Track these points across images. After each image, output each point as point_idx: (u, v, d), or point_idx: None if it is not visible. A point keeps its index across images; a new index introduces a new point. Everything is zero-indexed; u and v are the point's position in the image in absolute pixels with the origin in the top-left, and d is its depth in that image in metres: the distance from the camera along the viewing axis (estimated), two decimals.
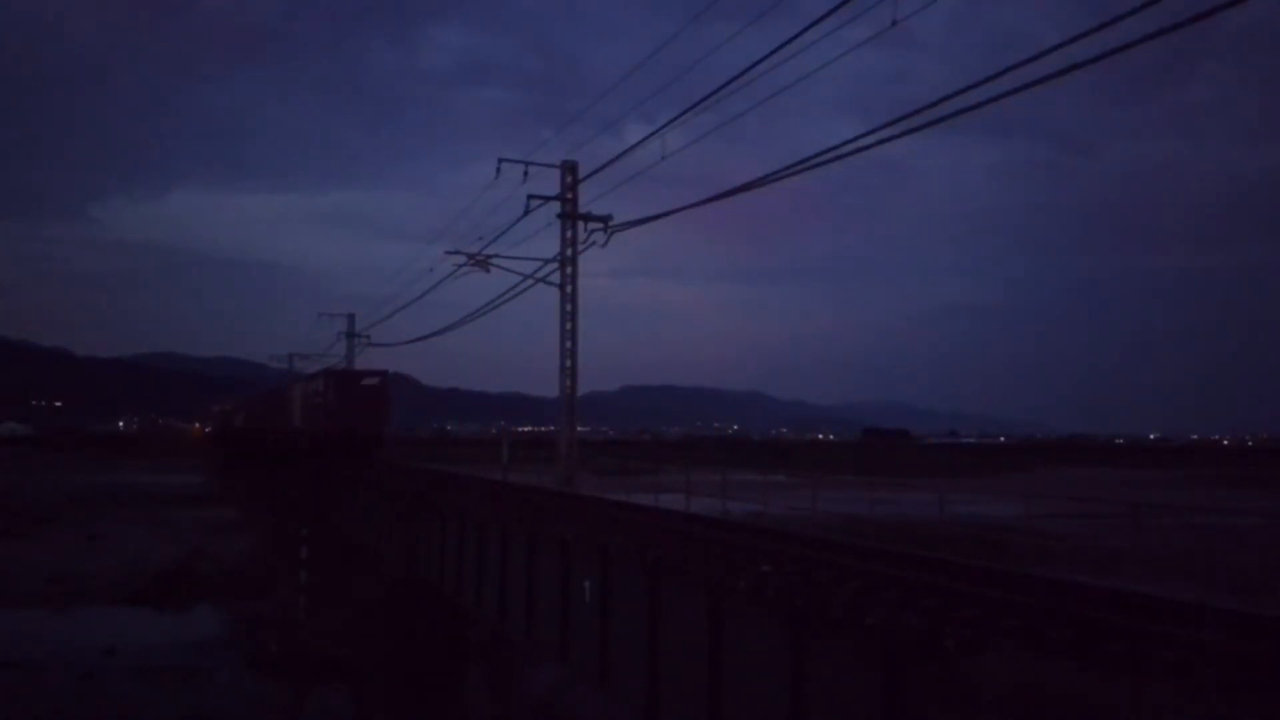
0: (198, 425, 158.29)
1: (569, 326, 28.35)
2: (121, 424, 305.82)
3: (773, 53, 14.65)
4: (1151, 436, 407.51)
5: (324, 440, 41.67)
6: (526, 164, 28.05)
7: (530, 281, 29.28)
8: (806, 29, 13.70)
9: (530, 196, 27.58)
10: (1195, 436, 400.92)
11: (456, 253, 31.51)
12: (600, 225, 27.28)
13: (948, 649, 7.93)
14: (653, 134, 19.97)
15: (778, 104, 16.67)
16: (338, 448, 39.85)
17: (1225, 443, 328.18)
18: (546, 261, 28.72)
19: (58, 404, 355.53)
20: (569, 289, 28.18)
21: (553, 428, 31.09)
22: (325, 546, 45.11)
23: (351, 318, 63.61)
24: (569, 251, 28.11)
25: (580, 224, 27.86)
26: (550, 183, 28.29)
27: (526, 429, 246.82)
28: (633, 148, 22.00)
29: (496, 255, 30.28)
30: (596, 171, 27.20)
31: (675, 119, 19.06)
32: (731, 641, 11.45)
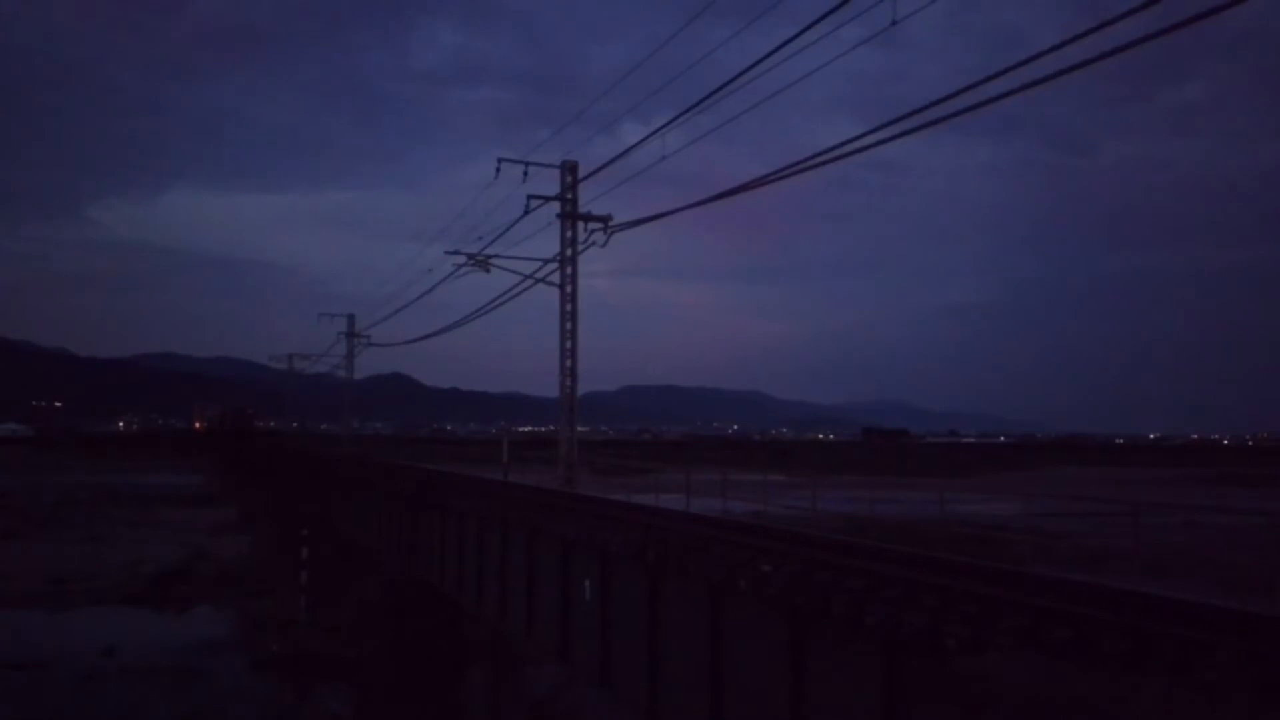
0: (198, 425, 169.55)
1: (569, 326, 28.35)
2: (121, 424, 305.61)
3: (771, 53, 14.65)
4: (1151, 436, 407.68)
5: (233, 431, 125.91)
6: (526, 164, 28.02)
7: (530, 281, 29.28)
8: (805, 29, 13.70)
9: (530, 196, 27.54)
10: (1195, 436, 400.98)
11: (456, 253, 31.55)
12: (600, 225, 27.25)
13: (948, 648, 7.94)
14: (652, 134, 19.96)
15: (773, 102, 16.67)
16: (235, 434, 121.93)
17: (1225, 442, 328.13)
18: (546, 261, 28.73)
19: (58, 404, 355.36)
20: (569, 289, 28.17)
21: (553, 428, 31.10)
22: (325, 546, 45.13)
23: (351, 318, 63.89)
24: (569, 251, 28.10)
25: (580, 224, 27.85)
26: (549, 183, 28.30)
27: (526, 429, 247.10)
28: (632, 148, 21.99)
29: (496, 255, 30.30)
30: (596, 171, 27.20)
31: (674, 119, 19.05)
32: (732, 641, 11.46)
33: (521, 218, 27.72)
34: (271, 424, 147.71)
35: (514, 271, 29.78)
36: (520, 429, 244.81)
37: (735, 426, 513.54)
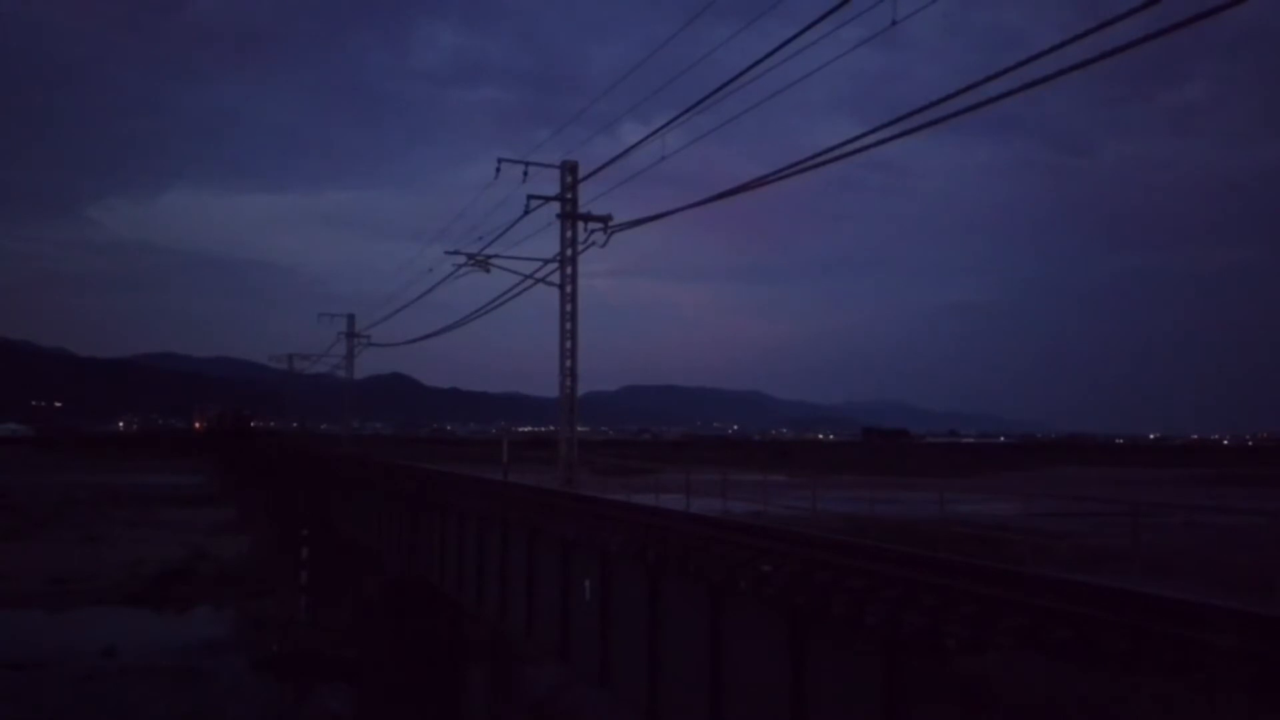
0: (198, 425, 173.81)
1: (569, 326, 28.34)
2: (121, 424, 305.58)
3: (771, 53, 14.64)
4: (1151, 436, 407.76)
5: (234, 431, 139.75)
6: (526, 164, 28.01)
7: (530, 281, 29.28)
8: (805, 29, 13.70)
9: (530, 196, 27.53)
10: (1195, 436, 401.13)
11: (456, 253, 31.55)
12: (600, 225, 27.24)
13: (948, 648, 7.94)
14: (652, 134, 19.95)
15: (773, 102, 16.67)
16: (235, 434, 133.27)
17: (1225, 442, 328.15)
18: (546, 261, 28.72)
19: (58, 404, 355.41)
20: (569, 289, 28.16)
21: (553, 428, 31.10)
22: (325, 546, 45.12)
23: (351, 318, 63.90)
24: (569, 251, 28.09)
25: (580, 224, 27.84)
26: (549, 183, 28.29)
27: (526, 429, 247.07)
28: (632, 148, 21.98)
29: (496, 255, 30.29)
30: (596, 171, 27.18)
31: (674, 120, 19.04)
32: (732, 641, 11.46)
33: (521, 218, 27.73)
34: (271, 424, 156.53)
35: (514, 272, 29.79)
36: (520, 429, 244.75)
37: (735, 426, 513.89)
